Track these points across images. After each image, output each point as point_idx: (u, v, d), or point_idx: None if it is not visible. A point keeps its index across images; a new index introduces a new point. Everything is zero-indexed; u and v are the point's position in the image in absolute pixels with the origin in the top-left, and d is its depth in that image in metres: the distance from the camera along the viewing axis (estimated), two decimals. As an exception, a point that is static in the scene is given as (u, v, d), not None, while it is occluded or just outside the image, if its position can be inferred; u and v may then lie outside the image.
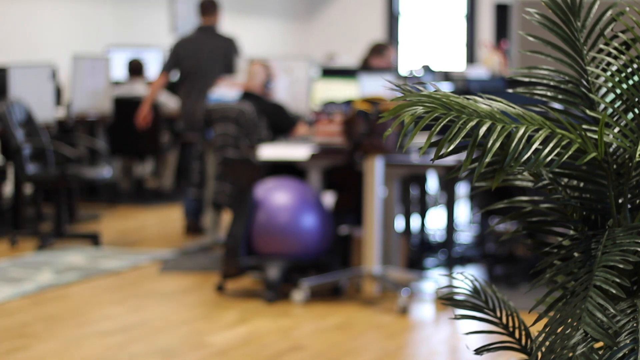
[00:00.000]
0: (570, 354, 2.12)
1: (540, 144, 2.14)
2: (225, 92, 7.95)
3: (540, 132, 2.15)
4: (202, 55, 8.61)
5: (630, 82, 2.35)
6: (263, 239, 6.22)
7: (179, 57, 8.64)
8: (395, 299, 6.09)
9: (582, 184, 2.38)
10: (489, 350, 2.47)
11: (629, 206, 2.36)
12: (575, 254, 2.31)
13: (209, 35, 8.74)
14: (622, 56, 2.39)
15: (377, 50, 9.06)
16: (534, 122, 2.18)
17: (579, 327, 2.11)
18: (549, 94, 2.43)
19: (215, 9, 8.76)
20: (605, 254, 2.21)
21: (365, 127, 6.07)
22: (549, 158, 2.13)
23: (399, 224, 7.03)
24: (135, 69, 9.78)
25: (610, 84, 2.39)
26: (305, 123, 7.64)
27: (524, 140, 2.13)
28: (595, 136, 2.24)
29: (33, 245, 7.75)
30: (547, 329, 2.20)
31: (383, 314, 5.89)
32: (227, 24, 13.21)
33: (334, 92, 7.52)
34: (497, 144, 2.11)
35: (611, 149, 2.30)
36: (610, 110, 2.40)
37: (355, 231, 6.71)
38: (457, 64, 14.02)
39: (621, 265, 2.17)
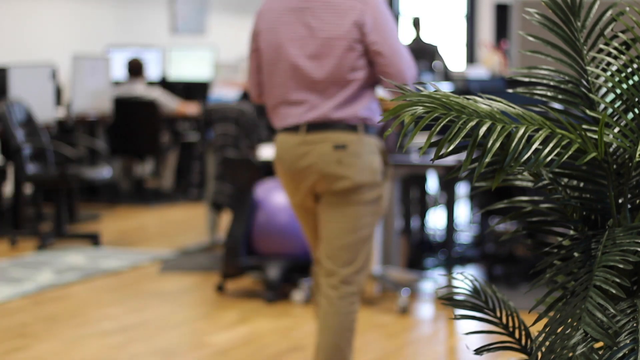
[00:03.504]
0: (570, 354, 2.12)
1: (540, 144, 2.13)
2: (225, 92, 7.95)
3: (540, 132, 2.14)
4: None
5: (630, 82, 2.34)
6: (263, 239, 6.22)
7: None
8: (395, 299, 6.09)
9: (582, 184, 2.38)
10: (489, 350, 2.47)
11: (629, 206, 2.35)
12: (575, 254, 2.30)
13: (417, 43, 11.45)
14: (622, 56, 2.39)
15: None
16: (534, 122, 2.18)
17: (579, 327, 2.11)
18: (549, 94, 2.43)
19: (420, 24, 11.90)
20: (605, 254, 2.20)
21: (365, 127, 6.06)
22: (549, 158, 2.13)
23: (399, 224, 7.03)
24: (135, 68, 9.77)
25: (610, 84, 2.39)
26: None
27: (524, 140, 2.13)
28: (595, 136, 2.23)
29: (33, 245, 7.75)
30: (547, 329, 2.20)
31: (383, 314, 5.89)
32: (228, 24, 13.21)
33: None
34: (497, 144, 2.11)
35: (611, 149, 2.30)
36: (610, 110, 2.40)
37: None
38: (457, 64, 14.02)
39: (621, 265, 2.16)
